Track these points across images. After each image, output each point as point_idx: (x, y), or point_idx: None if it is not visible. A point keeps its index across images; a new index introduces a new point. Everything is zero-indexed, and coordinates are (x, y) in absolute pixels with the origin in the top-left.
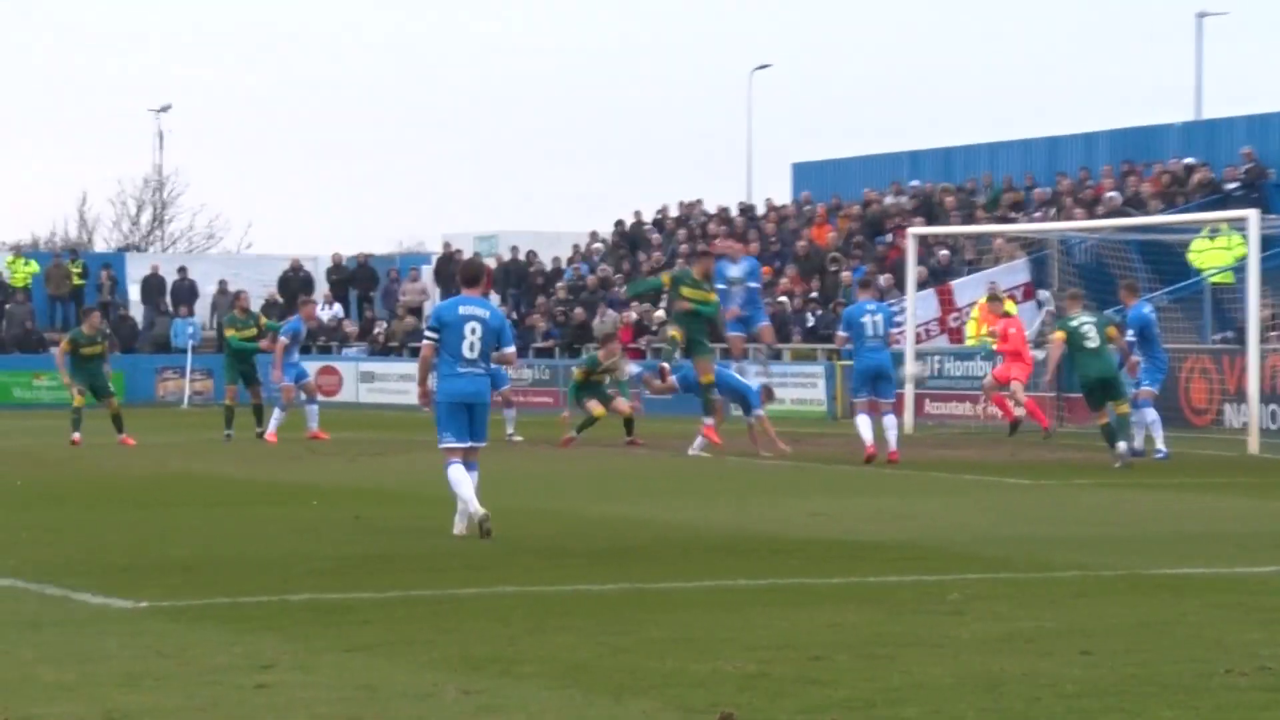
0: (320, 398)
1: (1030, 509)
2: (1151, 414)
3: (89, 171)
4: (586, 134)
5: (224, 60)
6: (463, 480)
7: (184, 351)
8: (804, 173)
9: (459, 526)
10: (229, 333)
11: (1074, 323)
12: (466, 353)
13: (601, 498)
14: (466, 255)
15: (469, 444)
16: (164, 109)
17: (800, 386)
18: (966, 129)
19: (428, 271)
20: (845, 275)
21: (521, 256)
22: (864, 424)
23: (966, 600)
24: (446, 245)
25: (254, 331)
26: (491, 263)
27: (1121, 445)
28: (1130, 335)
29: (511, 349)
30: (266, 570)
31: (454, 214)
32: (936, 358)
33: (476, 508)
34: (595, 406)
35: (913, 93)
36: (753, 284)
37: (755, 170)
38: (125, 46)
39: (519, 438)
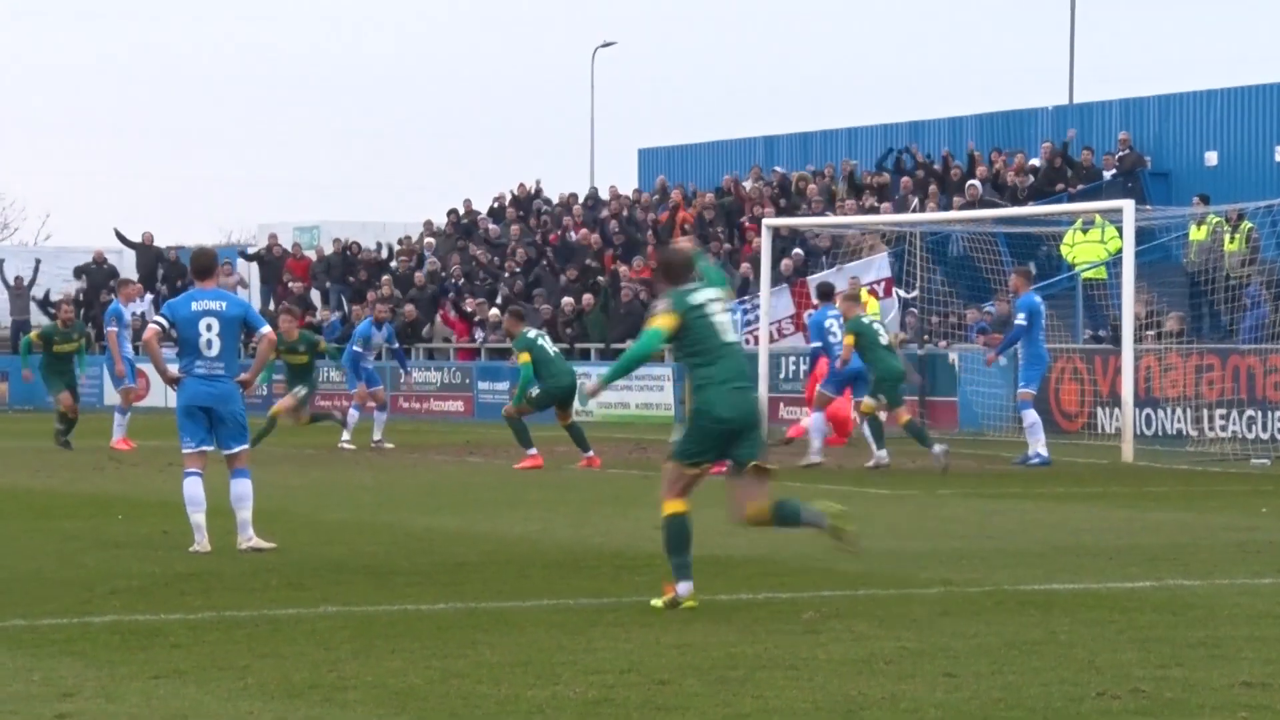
0: (134, 404)
1: (891, 521)
2: (1031, 416)
3: None
4: (417, 117)
5: (20, 29)
6: (197, 499)
7: None
8: (651, 159)
9: (199, 541)
10: (56, 347)
11: (866, 320)
12: (205, 350)
13: (432, 510)
14: (289, 248)
15: (211, 449)
16: None
17: (646, 389)
18: (824, 113)
19: (243, 265)
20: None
21: (345, 249)
22: None
23: (823, 619)
24: (272, 237)
25: (73, 347)
26: (311, 255)
27: (938, 447)
28: (1021, 319)
29: (265, 329)
30: (67, 590)
31: (274, 204)
32: (791, 358)
33: (203, 540)
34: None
35: (767, 75)
36: (396, 345)
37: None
38: None
39: (389, 444)
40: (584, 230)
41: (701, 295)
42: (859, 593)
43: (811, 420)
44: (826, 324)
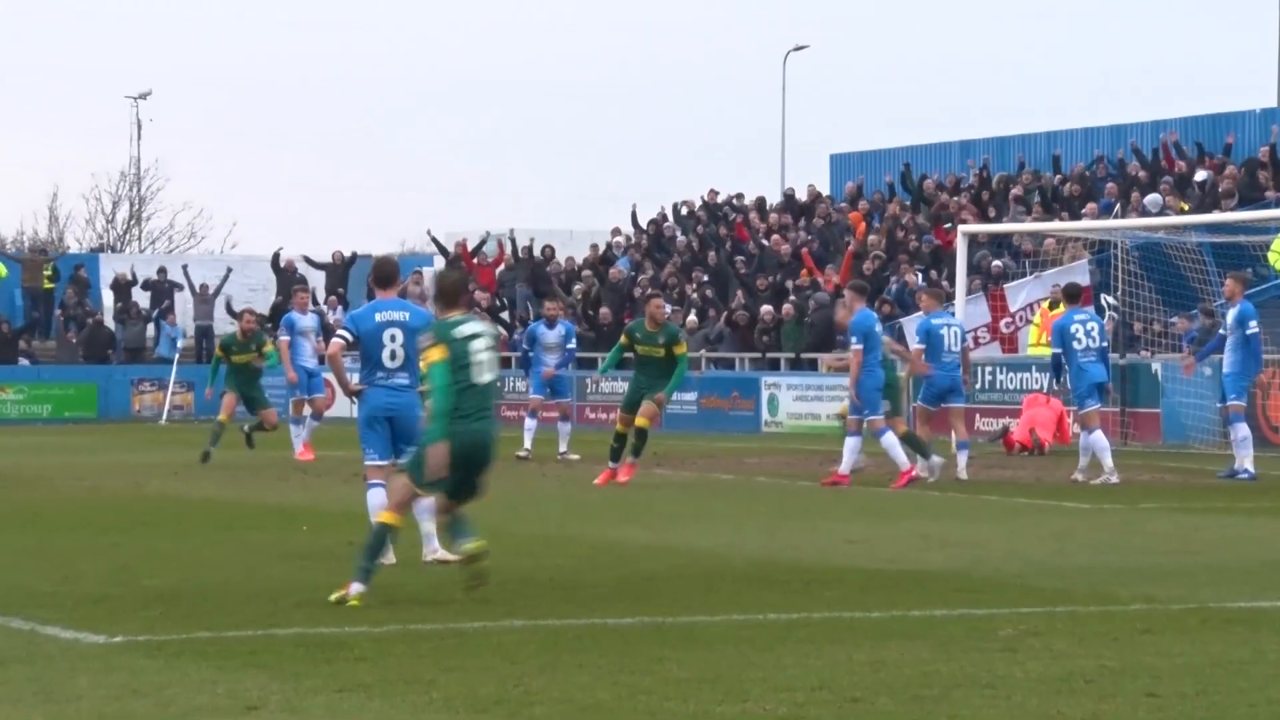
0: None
1: (1091, 536)
2: (1243, 429)
3: (60, 165)
4: (604, 123)
5: (209, 42)
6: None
7: (166, 362)
8: (843, 165)
9: (384, 554)
10: (234, 357)
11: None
12: (388, 362)
13: (620, 522)
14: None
15: (393, 462)
16: (143, 96)
17: (838, 400)
18: (1023, 116)
19: (431, 275)
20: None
21: (537, 252)
22: (893, 444)
23: (1020, 636)
24: (460, 243)
25: (249, 357)
26: (490, 260)
27: (935, 458)
28: (1245, 325)
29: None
30: (252, 602)
31: (458, 211)
32: (987, 368)
33: (389, 554)
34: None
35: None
36: (571, 345)
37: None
38: (101, 26)
39: (575, 455)
40: (775, 236)
41: (468, 328)
42: (1058, 609)
43: (1092, 439)
44: (1072, 328)
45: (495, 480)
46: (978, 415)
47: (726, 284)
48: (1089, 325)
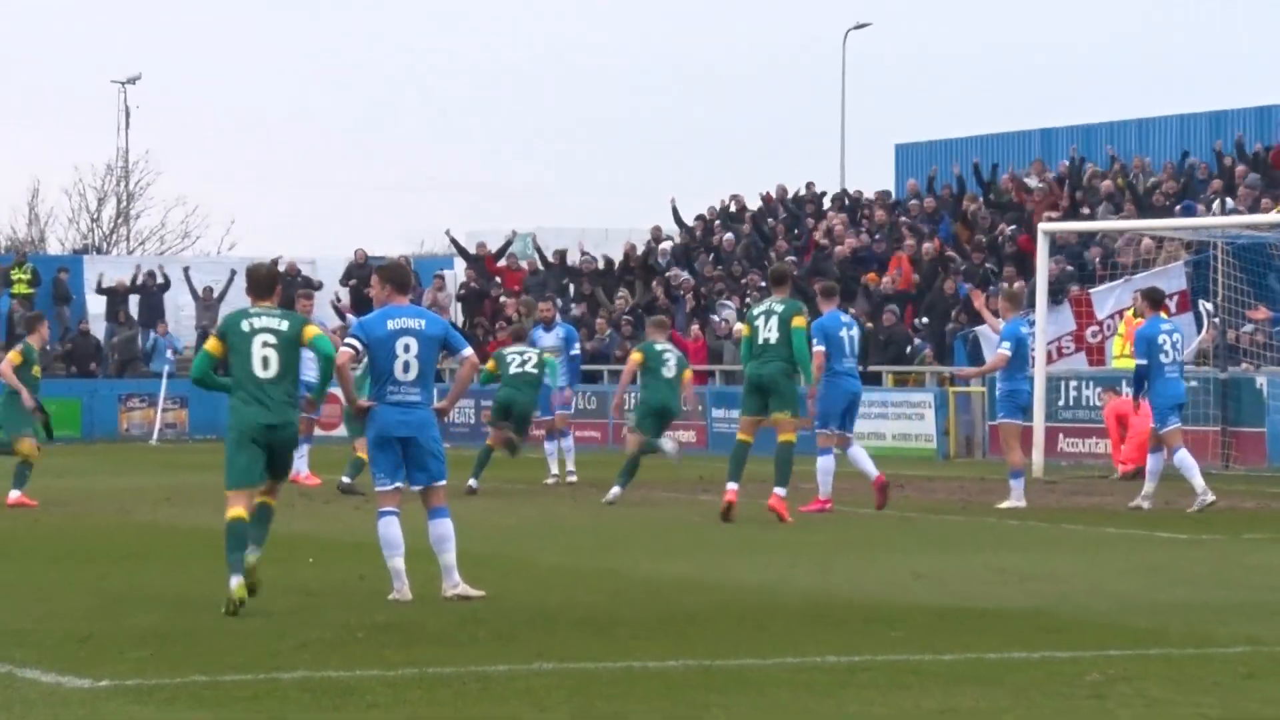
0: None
1: (1188, 569)
2: None
3: (41, 157)
4: (636, 112)
5: (204, 21)
6: (394, 542)
7: (157, 376)
8: (909, 156)
9: (398, 588)
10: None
11: (658, 347)
12: (400, 374)
13: (659, 554)
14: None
15: (406, 486)
16: (131, 81)
17: (904, 418)
18: (1111, 103)
19: (453, 279)
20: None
21: (576, 255)
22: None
23: (1109, 681)
24: (481, 245)
25: None
26: (525, 265)
27: (617, 489)
28: None
29: (467, 351)
30: (253, 641)
31: (481, 210)
32: (1072, 382)
33: (403, 588)
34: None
35: (1042, 58)
36: (575, 351)
37: (850, 153)
38: (85, 3)
39: (574, 478)
40: (839, 234)
41: (259, 322)
42: (1150, 651)
43: (1179, 459)
44: (1159, 339)
45: (518, 507)
46: (1060, 435)
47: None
48: (1175, 336)
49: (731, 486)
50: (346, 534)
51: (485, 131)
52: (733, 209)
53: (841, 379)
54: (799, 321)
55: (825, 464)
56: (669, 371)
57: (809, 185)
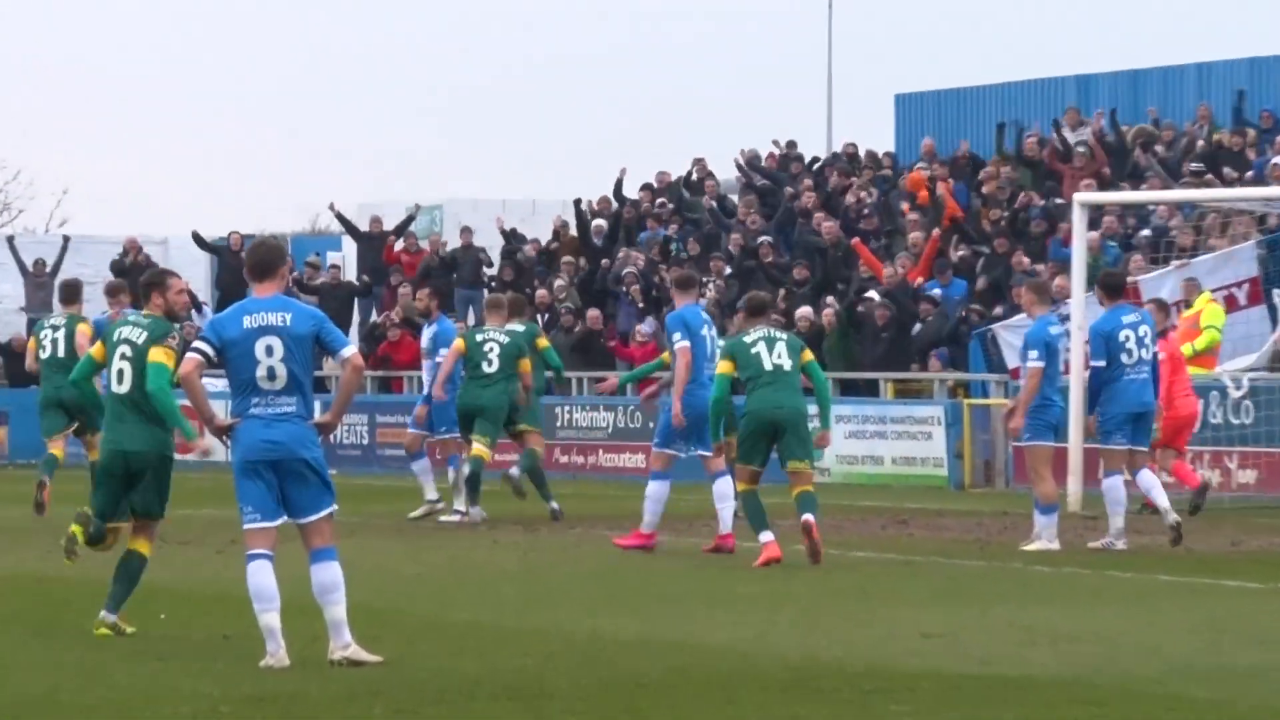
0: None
1: (1259, 626)
2: None
3: None
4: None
5: None
6: (267, 593)
7: None
8: (913, 109)
9: (272, 651)
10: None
11: (479, 337)
12: (265, 382)
13: (602, 608)
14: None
15: (282, 521)
16: None
17: (906, 437)
18: (1161, 46)
19: (338, 258)
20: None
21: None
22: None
23: None
24: (375, 221)
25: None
26: (426, 245)
27: (475, 510)
28: None
29: (348, 350)
30: (91, 718)
31: (375, 179)
32: None
33: (278, 651)
34: None
35: None
36: (440, 358)
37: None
38: None
39: (455, 516)
40: (818, 214)
41: (126, 330)
42: None
43: (1106, 485)
44: (1120, 334)
45: (424, 550)
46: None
47: (749, 277)
48: (1141, 330)
49: (767, 537)
50: (208, 583)
51: (387, 86)
52: (694, 176)
53: (701, 390)
54: (811, 355)
55: (658, 491)
56: (490, 366)
57: (789, 144)
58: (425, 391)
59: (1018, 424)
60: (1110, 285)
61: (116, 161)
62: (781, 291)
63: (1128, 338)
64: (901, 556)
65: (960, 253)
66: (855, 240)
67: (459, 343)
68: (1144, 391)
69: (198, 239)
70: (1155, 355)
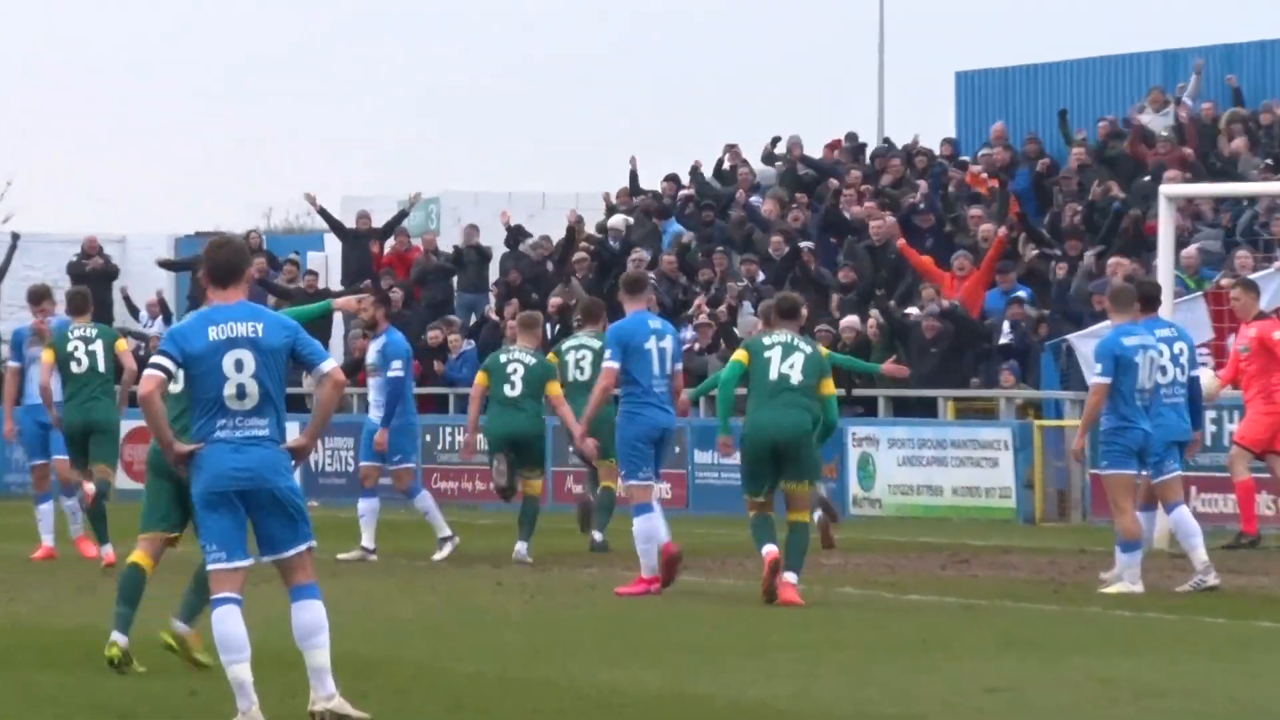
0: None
1: None
2: None
3: None
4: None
5: None
6: (236, 642)
7: None
8: (976, 88)
9: (243, 709)
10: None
11: (503, 358)
12: (234, 401)
13: (617, 658)
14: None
15: (251, 562)
16: None
17: (968, 464)
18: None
19: (320, 259)
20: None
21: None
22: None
23: None
24: (362, 217)
25: None
26: (418, 243)
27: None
28: None
29: (327, 365)
30: None
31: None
32: (1209, 414)
33: (250, 708)
34: None
35: None
36: (394, 372)
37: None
38: None
39: (529, 559)
40: (869, 204)
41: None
42: None
43: (1175, 518)
44: (1135, 355)
45: (420, 591)
46: (1194, 489)
47: (795, 285)
48: (1177, 346)
49: (770, 549)
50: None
51: (376, 70)
52: (727, 164)
53: (648, 411)
54: (832, 389)
55: (646, 528)
56: (513, 389)
57: (848, 136)
58: (383, 414)
59: (1078, 446)
60: (1143, 296)
61: (65, 152)
62: (835, 298)
63: (1142, 358)
64: (963, 600)
65: (1032, 253)
66: (901, 242)
67: (481, 375)
68: (1174, 422)
69: (166, 264)
70: (1194, 379)
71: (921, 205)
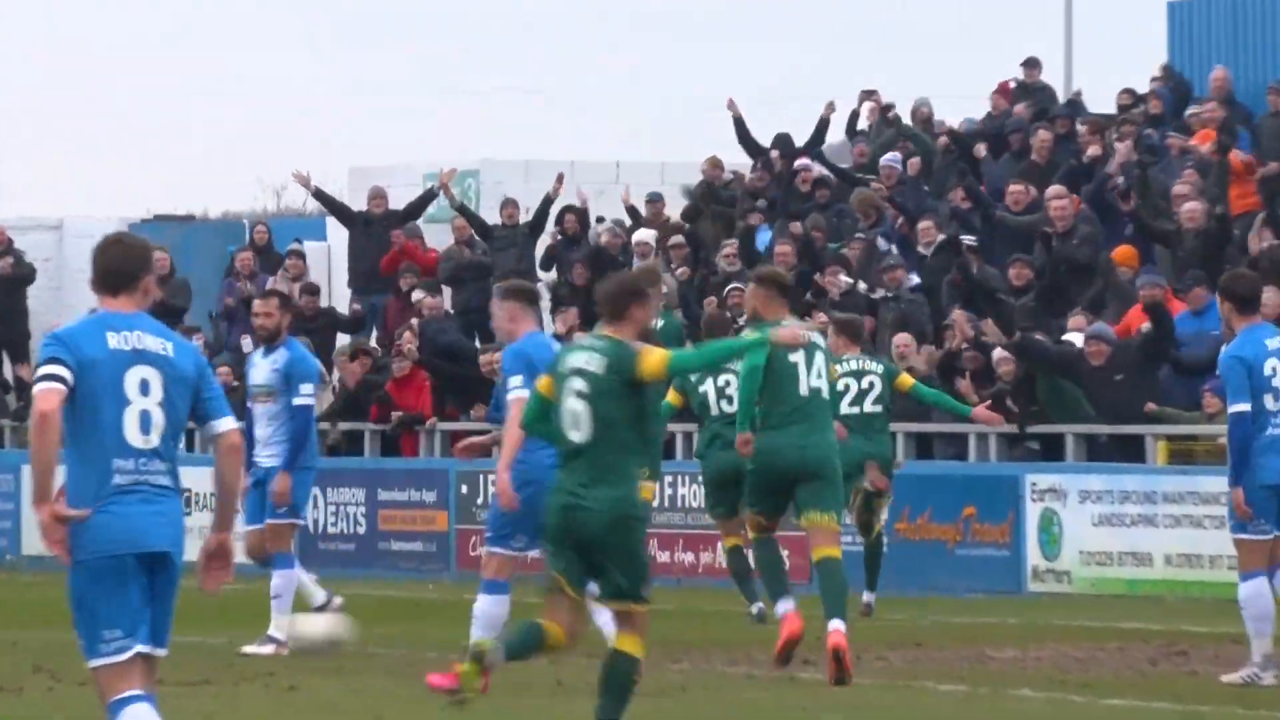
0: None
1: None
2: None
3: None
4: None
5: None
6: None
7: None
8: (1192, 21)
9: None
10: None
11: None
12: (136, 436)
13: None
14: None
15: (150, 649)
16: None
17: (1192, 525)
18: None
19: (321, 251)
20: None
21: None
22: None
23: None
24: (377, 196)
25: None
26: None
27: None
28: None
29: (224, 425)
30: None
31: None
32: None
33: None
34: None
35: None
36: (304, 398)
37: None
38: None
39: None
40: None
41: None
42: None
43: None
44: (1266, 363)
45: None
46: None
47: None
48: None
49: (786, 606)
50: None
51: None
52: (863, 122)
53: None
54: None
55: (489, 609)
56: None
57: (1022, 89)
58: (284, 451)
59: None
60: (1240, 294)
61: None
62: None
63: (1274, 370)
64: (1179, 705)
65: (1265, 244)
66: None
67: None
68: None
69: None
70: None
71: (1120, 180)
